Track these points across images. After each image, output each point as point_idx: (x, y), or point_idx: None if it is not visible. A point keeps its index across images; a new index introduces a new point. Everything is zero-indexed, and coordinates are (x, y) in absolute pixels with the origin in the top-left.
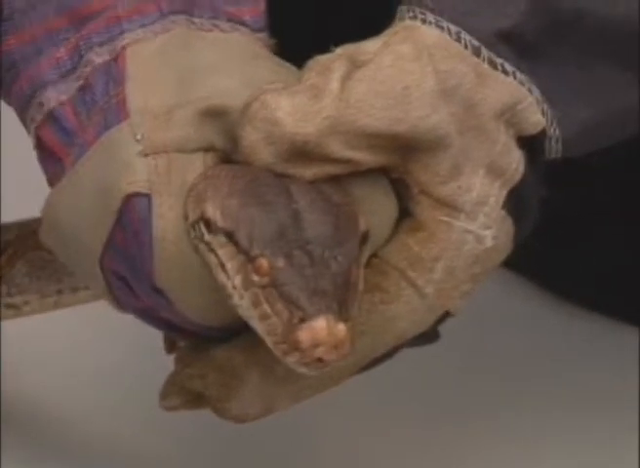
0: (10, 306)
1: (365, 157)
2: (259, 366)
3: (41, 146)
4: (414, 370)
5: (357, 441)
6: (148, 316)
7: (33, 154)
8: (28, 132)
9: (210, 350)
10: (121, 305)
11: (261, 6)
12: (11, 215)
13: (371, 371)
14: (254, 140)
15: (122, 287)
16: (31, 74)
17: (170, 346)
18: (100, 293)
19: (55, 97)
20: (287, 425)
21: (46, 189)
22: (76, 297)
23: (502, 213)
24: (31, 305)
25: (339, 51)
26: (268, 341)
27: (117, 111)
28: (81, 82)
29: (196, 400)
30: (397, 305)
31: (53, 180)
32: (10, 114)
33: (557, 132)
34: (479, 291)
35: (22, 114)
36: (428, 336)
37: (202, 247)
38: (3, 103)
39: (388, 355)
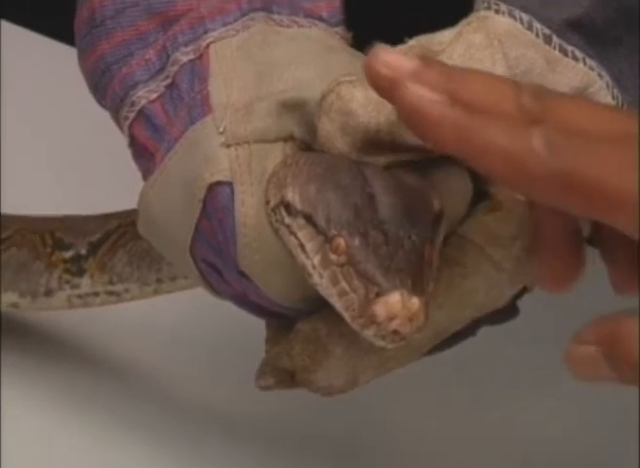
0: (111, 293)
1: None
2: (342, 337)
3: (134, 143)
4: None
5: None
6: (240, 301)
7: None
8: (122, 131)
9: (296, 325)
10: (216, 292)
11: (337, 1)
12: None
13: None
14: (330, 131)
15: (213, 273)
16: (123, 76)
17: None
18: (196, 282)
19: (145, 95)
20: None
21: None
22: (175, 285)
23: None
24: (132, 293)
25: (412, 42)
26: (347, 316)
27: (201, 106)
28: (169, 80)
29: (289, 379)
30: (475, 279)
31: (146, 175)
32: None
33: None
34: None
35: (116, 114)
36: (507, 312)
37: (282, 230)
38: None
39: (469, 332)
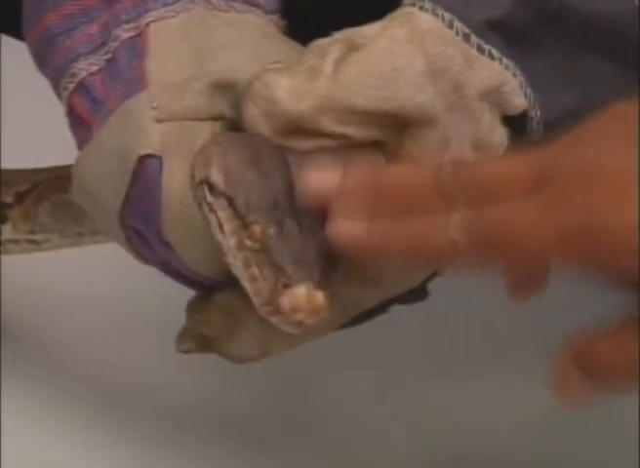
0: (31, 242)
1: (356, 132)
2: (255, 311)
3: (72, 113)
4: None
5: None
6: (165, 268)
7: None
8: (61, 100)
9: (213, 296)
10: (142, 258)
11: None
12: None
13: None
14: (254, 115)
15: (139, 241)
16: (67, 47)
17: None
18: (124, 248)
19: (86, 68)
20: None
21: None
22: (95, 239)
23: None
24: (52, 243)
25: (337, 35)
26: (255, 301)
27: (138, 82)
28: (109, 55)
29: (208, 345)
30: (387, 262)
31: (81, 144)
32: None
33: (539, 114)
34: None
35: (57, 84)
36: (417, 294)
37: (204, 207)
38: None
39: (381, 310)
